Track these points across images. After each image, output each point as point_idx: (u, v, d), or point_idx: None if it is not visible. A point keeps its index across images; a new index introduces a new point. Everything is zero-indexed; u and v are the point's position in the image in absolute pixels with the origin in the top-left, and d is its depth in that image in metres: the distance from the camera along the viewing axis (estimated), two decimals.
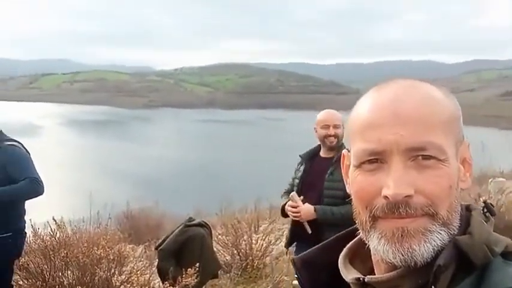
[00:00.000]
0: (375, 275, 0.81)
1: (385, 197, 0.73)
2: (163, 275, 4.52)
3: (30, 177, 3.55)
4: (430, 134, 0.74)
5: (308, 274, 0.89)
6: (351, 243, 0.88)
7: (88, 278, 4.11)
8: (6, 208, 3.55)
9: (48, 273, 4.07)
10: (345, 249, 0.87)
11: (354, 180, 0.79)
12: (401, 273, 0.75)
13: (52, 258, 4.10)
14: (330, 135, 3.50)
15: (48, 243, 4.15)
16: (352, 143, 0.81)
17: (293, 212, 3.45)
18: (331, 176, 3.41)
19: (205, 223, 5.02)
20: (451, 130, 0.77)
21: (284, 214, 3.62)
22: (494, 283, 0.70)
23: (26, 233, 3.88)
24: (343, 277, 0.84)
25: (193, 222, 4.87)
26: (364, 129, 0.77)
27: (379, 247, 0.75)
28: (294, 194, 3.50)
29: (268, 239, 6.02)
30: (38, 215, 4.63)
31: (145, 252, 7.07)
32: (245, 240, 5.91)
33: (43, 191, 3.61)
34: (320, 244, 0.92)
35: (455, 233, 0.76)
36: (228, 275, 5.63)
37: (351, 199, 0.81)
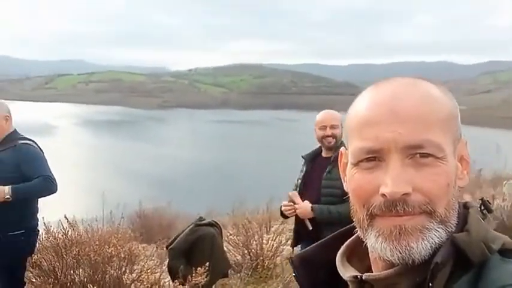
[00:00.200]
0: (372, 272, 0.81)
1: (383, 195, 0.73)
2: (173, 273, 4.55)
3: (43, 175, 3.61)
4: (428, 132, 0.73)
5: (306, 272, 0.89)
6: (348, 241, 0.88)
7: (99, 276, 4.15)
8: (20, 206, 3.60)
9: (60, 271, 4.11)
10: (342, 247, 0.87)
11: (352, 178, 0.79)
12: (399, 270, 0.75)
13: (64, 256, 4.15)
14: (327, 136, 3.55)
15: (60, 241, 4.19)
16: (349, 141, 0.81)
17: (287, 210, 3.53)
18: (329, 174, 3.45)
19: (216, 223, 5.04)
20: (449, 128, 0.77)
21: (283, 214, 3.67)
22: (492, 280, 0.70)
23: (38, 230, 3.94)
24: (341, 275, 0.84)
25: (204, 221, 4.89)
26: (361, 126, 0.77)
27: (377, 245, 0.75)
28: (291, 192, 3.57)
29: (279, 239, 6.02)
30: (52, 213, 4.69)
31: (156, 251, 7.11)
32: (256, 240, 5.92)
33: (56, 189, 3.67)
34: (318, 242, 0.92)
35: (453, 230, 0.75)
36: (239, 274, 5.64)
37: (348, 197, 0.81)
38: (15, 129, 3.81)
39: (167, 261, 4.93)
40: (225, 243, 5.72)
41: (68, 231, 4.29)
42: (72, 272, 4.17)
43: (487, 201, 0.83)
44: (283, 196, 3.79)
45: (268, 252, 5.81)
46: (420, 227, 0.73)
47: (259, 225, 6.45)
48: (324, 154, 3.64)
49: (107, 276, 4.14)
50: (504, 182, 9.35)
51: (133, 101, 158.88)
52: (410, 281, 0.75)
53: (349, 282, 0.82)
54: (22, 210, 3.66)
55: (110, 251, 4.19)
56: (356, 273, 0.82)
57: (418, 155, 0.73)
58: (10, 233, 3.62)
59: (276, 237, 6.05)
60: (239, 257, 5.91)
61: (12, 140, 3.72)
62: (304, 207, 3.45)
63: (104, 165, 38.25)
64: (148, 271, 4.28)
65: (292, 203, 3.53)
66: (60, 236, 4.26)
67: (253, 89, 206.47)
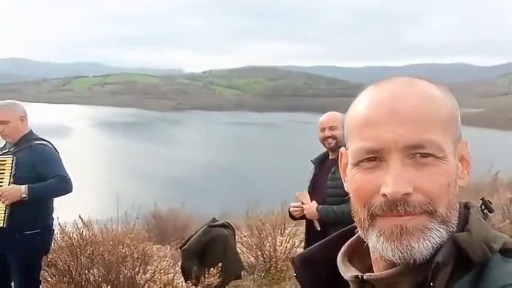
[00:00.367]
0: (373, 272, 0.81)
1: (384, 195, 0.73)
2: (186, 274, 4.56)
3: (59, 175, 3.65)
4: (429, 132, 0.73)
5: (307, 272, 0.89)
6: (349, 241, 0.88)
7: (113, 275, 4.19)
8: (35, 205, 3.65)
9: (74, 270, 4.15)
10: (343, 247, 0.87)
11: (352, 179, 0.79)
12: (400, 270, 0.75)
13: (79, 255, 4.19)
14: (327, 137, 3.57)
15: (75, 240, 4.24)
16: (349, 141, 0.81)
17: (295, 211, 3.56)
18: (333, 175, 3.48)
19: (229, 224, 5.05)
20: (449, 128, 0.77)
21: (292, 215, 3.70)
22: (493, 280, 0.70)
23: (53, 230, 3.98)
24: (342, 275, 0.84)
25: (217, 222, 4.91)
26: (361, 126, 0.77)
27: (378, 245, 0.75)
28: (298, 193, 3.59)
29: (293, 241, 6.01)
30: (67, 214, 4.73)
31: (170, 251, 7.14)
32: (269, 242, 5.91)
33: (71, 189, 3.71)
34: (319, 242, 0.92)
35: (454, 230, 0.75)
36: (252, 276, 5.64)
37: (349, 197, 0.81)
38: (30, 130, 3.86)
39: (180, 262, 4.94)
40: (238, 245, 5.73)
41: (82, 231, 4.34)
42: (86, 271, 4.21)
43: (488, 201, 0.82)
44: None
45: (282, 254, 5.80)
46: (421, 226, 0.73)
47: (273, 227, 6.45)
48: (330, 156, 3.67)
49: (121, 276, 4.17)
50: None
51: (148, 103, 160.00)
52: (411, 280, 0.75)
53: (350, 282, 0.82)
54: (38, 209, 3.70)
55: (123, 251, 4.22)
56: (357, 273, 0.82)
57: (418, 155, 0.73)
58: (26, 232, 3.66)
59: (289, 239, 6.04)
60: (252, 259, 5.91)
61: (28, 141, 3.77)
62: (311, 208, 3.48)
63: (118, 167, 38.56)
64: (162, 271, 4.30)
65: (299, 204, 3.57)
66: (74, 235, 4.31)
67: (268, 91, 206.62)
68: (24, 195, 3.52)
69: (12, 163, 3.63)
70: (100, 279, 4.17)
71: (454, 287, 0.72)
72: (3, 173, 3.64)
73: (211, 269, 4.23)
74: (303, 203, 3.55)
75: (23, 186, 3.54)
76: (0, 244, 3.70)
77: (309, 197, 3.56)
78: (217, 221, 5.02)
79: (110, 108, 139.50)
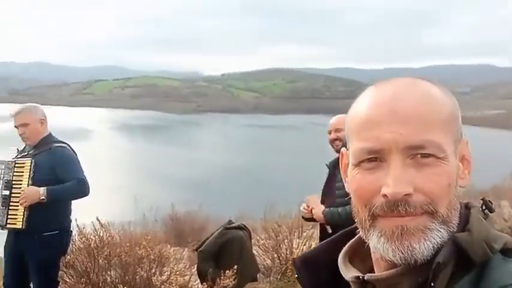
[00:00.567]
0: (374, 273, 0.81)
1: (384, 196, 0.73)
2: (202, 276, 4.59)
3: (77, 178, 3.72)
4: (430, 132, 0.73)
5: (308, 273, 0.90)
6: (350, 241, 0.88)
7: (130, 277, 4.23)
8: (54, 207, 3.72)
9: (92, 271, 4.21)
10: (344, 248, 0.87)
11: (353, 179, 0.79)
12: (401, 271, 0.75)
13: (96, 256, 4.24)
14: (334, 140, 3.62)
15: (92, 242, 4.29)
16: (350, 142, 0.81)
17: (305, 214, 3.61)
18: (339, 176, 3.46)
19: (245, 226, 5.06)
20: (450, 128, 0.76)
21: (304, 218, 3.75)
22: (494, 280, 0.69)
23: (71, 231, 4.04)
24: (343, 275, 0.84)
25: (233, 225, 4.92)
26: (361, 127, 0.77)
27: (379, 245, 0.75)
28: (308, 197, 3.61)
29: (309, 244, 6.00)
30: (87, 216, 4.80)
31: (187, 253, 7.18)
32: (285, 245, 5.91)
33: (89, 192, 3.78)
34: (321, 243, 0.93)
35: (455, 230, 0.75)
36: (268, 279, 5.64)
37: (350, 198, 0.81)
38: (50, 133, 3.93)
39: (197, 263, 4.97)
40: (255, 247, 5.73)
41: (99, 232, 4.39)
42: (103, 272, 4.26)
43: (489, 201, 0.82)
44: None
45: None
46: (422, 227, 0.72)
47: (289, 230, 6.44)
48: None
49: (137, 277, 4.21)
50: None
51: (167, 106, 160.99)
52: (412, 281, 0.74)
53: (351, 283, 0.82)
54: (56, 211, 3.77)
55: (140, 252, 4.26)
56: (358, 273, 0.82)
57: (419, 155, 0.73)
58: (44, 233, 3.73)
59: (306, 242, 6.03)
60: (269, 261, 5.91)
61: (47, 143, 3.84)
62: (317, 212, 3.50)
63: (138, 169, 38.89)
64: (178, 273, 4.33)
65: (307, 206, 3.59)
66: (92, 237, 4.36)
67: (286, 94, 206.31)
68: (43, 197, 3.59)
69: (31, 165, 3.71)
70: (117, 280, 4.21)
71: (455, 287, 0.71)
72: (22, 175, 3.71)
73: (227, 271, 4.25)
74: (310, 207, 3.56)
75: (42, 188, 3.61)
76: (19, 245, 3.78)
77: (318, 201, 3.56)
78: (233, 223, 5.04)
79: (130, 111, 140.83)
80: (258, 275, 5.19)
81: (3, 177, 3.75)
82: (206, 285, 4.35)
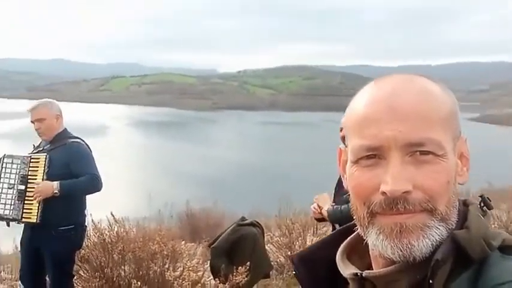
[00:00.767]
0: (372, 270, 0.81)
1: (383, 193, 0.73)
2: (215, 272, 4.61)
3: (90, 174, 3.77)
4: (429, 129, 0.73)
5: (306, 270, 0.90)
6: (349, 238, 0.88)
7: (144, 271, 4.27)
8: (69, 202, 3.77)
9: (106, 266, 4.25)
10: (342, 245, 0.87)
11: (352, 176, 0.78)
12: (400, 268, 0.75)
13: (110, 251, 4.29)
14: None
15: (107, 237, 4.34)
16: (348, 138, 0.80)
17: (315, 213, 3.58)
18: None
19: (258, 223, 5.06)
20: (449, 126, 0.76)
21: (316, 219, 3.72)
22: (492, 278, 0.69)
23: (86, 226, 4.09)
24: (341, 272, 0.84)
25: (246, 221, 4.92)
26: (360, 124, 0.77)
27: (378, 243, 0.75)
28: (317, 196, 3.59)
29: None
30: (102, 211, 4.85)
31: (201, 249, 7.21)
32: (299, 242, 5.90)
33: (101, 188, 3.82)
34: (319, 240, 0.93)
35: (453, 227, 0.75)
36: (281, 275, 5.65)
37: (349, 194, 0.80)
38: (65, 129, 3.98)
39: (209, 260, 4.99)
40: (268, 245, 5.73)
41: (113, 227, 4.43)
42: (118, 267, 4.30)
43: (487, 198, 0.81)
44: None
45: None
46: (421, 224, 0.72)
47: (303, 227, 6.44)
48: None
49: (151, 272, 4.24)
50: None
51: (184, 103, 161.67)
52: (410, 278, 0.74)
53: (349, 280, 0.82)
54: (71, 206, 3.82)
55: (153, 248, 4.30)
56: (356, 270, 0.81)
57: (418, 153, 0.73)
58: (60, 228, 3.78)
59: (319, 239, 6.01)
60: (282, 258, 5.91)
61: (62, 139, 3.89)
62: (324, 211, 3.48)
63: (154, 166, 39.13)
64: (191, 269, 4.35)
65: (316, 206, 3.57)
66: (106, 232, 4.41)
67: (303, 91, 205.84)
68: (56, 191, 3.64)
69: (45, 161, 3.76)
70: (131, 275, 4.25)
71: (453, 285, 0.71)
72: (37, 170, 3.77)
73: (240, 267, 4.25)
74: (320, 207, 3.54)
75: (55, 182, 3.66)
76: (35, 239, 3.84)
77: (328, 199, 3.54)
78: (246, 219, 5.03)
79: (146, 107, 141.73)
80: (271, 272, 5.19)
81: (19, 172, 3.80)
82: (219, 281, 4.37)
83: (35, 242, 3.85)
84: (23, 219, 3.78)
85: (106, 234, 4.36)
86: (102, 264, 4.25)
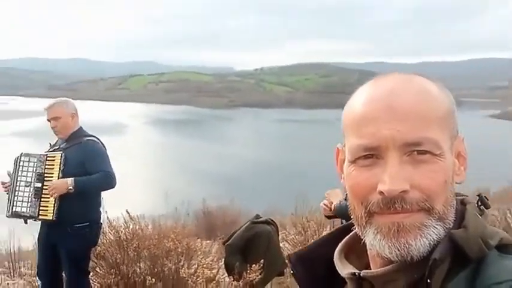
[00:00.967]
0: (370, 269, 0.81)
1: (381, 193, 0.73)
2: (229, 269, 4.62)
3: (104, 171, 3.81)
4: (427, 129, 0.73)
5: (304, 269, 0.89)
6: (346, 238, 0.87)
7: (159, 268, 4.31)
8: (84, 200, 3.82)
9: (122, 262, 4.30)
10: (340, 244, 0.87)
11: (349, 176, 0.78)
12: (397, 267, 0.75)
13: (126, 248, 4.33)
14: None
15: (122, 234, 4.38)
16: (346, 138, 0.80)
17: (324, 209, 3.60)
18: None
19: (272, 221, 5.06)
20: (446, 125, 0.76)
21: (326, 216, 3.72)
22: (489, 276, 0.69)
23: (101, 223, 4.14)
24: (339, 272, 0.84)
25: (260, 219, 4.93)
26: (358, 123, 0.77)
27: (375, 242, 0.75)
28: (329, 191, 3.57)
29: None
30: (119, 208, 4.89)
31: (216, 247, 7.23)
32: (314, 239, 5.88)
33: (115, 185, 3.87)
34: (317, 239, 0.93)
35: (451, 227, 0.75)
36: None
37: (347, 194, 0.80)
38: (80, 127, 4.03)
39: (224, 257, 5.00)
40: (283, 242, 5.73)
41: (129, 224, 4.47)
42: (133, 264, 4.34)
43: (484, 197, 0.81)
44: None
45: None
46: (418, 224, 0.72)
47: (318, 225, 6.42)
48: None
49: (166, 269, 4.28)
50: None
51: (200, 101, 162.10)
52: (408, 277, 0.74)
53: (347, 279, 0.82)
54: (86, 203, 3.87)
55: (168, 245, 4.33)
56: (354, 270, 0.81)
57: (415, 152, 0.72)
58: (75, 225, 3.84)
59: None
60: None
61: (77, 137, 3.94)
62: (333, 207, 3.45)
63: (171, 164, 39.37)
64: (205, 266, 4.37)
65: (327, 202, 3.54)
66: (122, 229, 4.45)
67: (319, 88, 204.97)
68: (71, 188, 3.70)
69: (61, 159, 3.81)
70: (146, 272, 4.29)
71: (451, 284, 0.71)
72: (53, 168, 3.82)
73: (254, 265, 4.26)
74: (330, 202, 3.51)
75: (69, 179, 3.72)
76: (51, 236, 3.90)
77: (339, 195, 3.50)
78: (261, 217, 5.04)
79: (163, 106, 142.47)
80: (285, 270, 5.19)
81: (36, 170, 3.86)
82: (233, 279, 4.38)
83: (51, 239, 3.91)
84: (40, 217, 3.84)
85: (121, 232, 4.40)
86: (118, 261, 4.30)
